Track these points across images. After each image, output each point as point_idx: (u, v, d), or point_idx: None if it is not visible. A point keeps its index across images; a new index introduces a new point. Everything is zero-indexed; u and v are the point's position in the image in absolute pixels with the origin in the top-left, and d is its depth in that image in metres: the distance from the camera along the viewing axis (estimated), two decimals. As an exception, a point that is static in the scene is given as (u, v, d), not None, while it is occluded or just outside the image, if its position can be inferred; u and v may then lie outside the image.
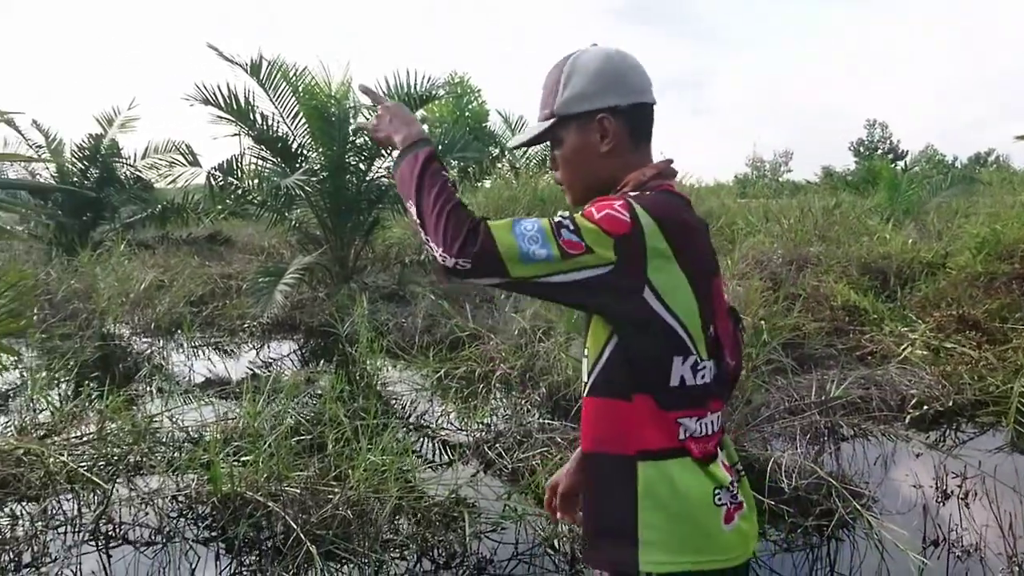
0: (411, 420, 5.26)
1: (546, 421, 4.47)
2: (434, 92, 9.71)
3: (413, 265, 9.95)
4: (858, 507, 3.35)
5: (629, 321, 1.23)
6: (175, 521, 3.51)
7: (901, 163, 33.12)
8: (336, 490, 3.47)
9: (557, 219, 1.19)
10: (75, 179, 14.62)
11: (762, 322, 4.15)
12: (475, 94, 21.98)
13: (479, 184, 15.72)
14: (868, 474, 4.03)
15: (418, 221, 1.22)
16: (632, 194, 1.25)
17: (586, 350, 1.33)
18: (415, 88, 9.30)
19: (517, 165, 18.51)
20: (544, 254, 1.14)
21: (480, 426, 4.78)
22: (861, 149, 45.14)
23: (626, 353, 1.25)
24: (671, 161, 1.37)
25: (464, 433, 4.75)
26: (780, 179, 33.31)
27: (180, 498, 3.67)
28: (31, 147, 14.32)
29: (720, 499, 1.25)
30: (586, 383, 1.33)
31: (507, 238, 1.15)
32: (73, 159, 14.46)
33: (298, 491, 3.45)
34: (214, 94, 8.96)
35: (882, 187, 14.35)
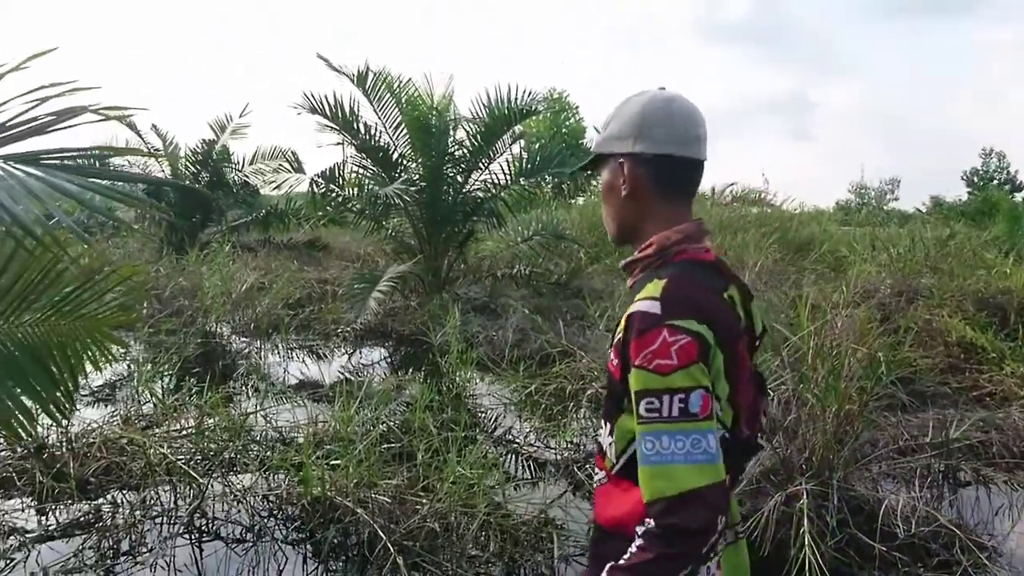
0: (498, 434, 5.19)
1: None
2: (534, 107, 9.69)
3: (505, 279, 9.92)
4: (984, 560, 3.08)
5: None
6: (265, 520, 3.55)
7: (1020, 195, 31.25)
8: (424, 501, 3.43)
9: (655, 408, 1.15)
10: (187, 182, 15.32)
11: (879, 354, 3.89)
12: (573, 111, 22.01)
13: (572, 201, 15.66)
14: (990, 524, 3.72)
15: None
16: (680, 312, 1.18)
17: (611, 436, 1.30)
18: (515, 102, 9.32)
19: (612, 183, 18.38)
20: (710, 443, 1.14)
21: (569, 445, 4.67)
22: (976, 179, 42.84)
23: None
24: (701, 222, 1.34)
25: (553, 451, 4.65)
26: (885, 207, 31.94)
27: (271, 498, 3.71)
28: (150, 150, 15.07)
29: None
30: (615, 464, 1.29)
31: (694, 472, 1.12)
32: (187, 162, 15.17)
33: (386, 500, 3.42)
34: (321, 103, 9.22)
35: (1000, 219, 13.57)
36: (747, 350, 1.32)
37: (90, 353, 3.22)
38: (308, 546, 3.36)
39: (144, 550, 3.30)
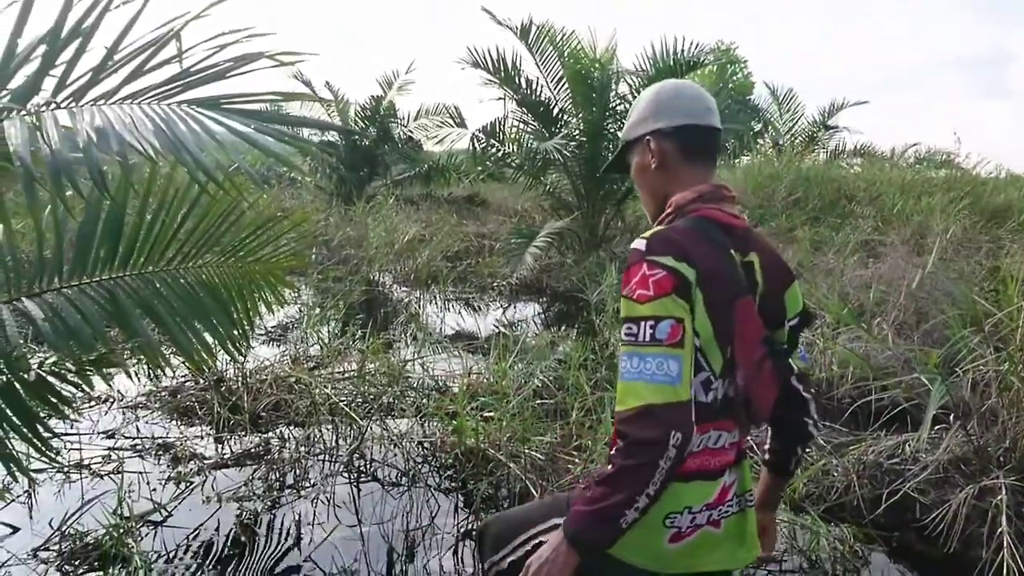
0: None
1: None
2: (701, 59, 9.25)
3: (663, 238, 9.65)
4: None
5: None
6: (419, 466, 3.62)
7: None
8: (576, 460, 3.37)
9: (632, 333, 1.30)
10: (356, 136, 15.96)
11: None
12: (740, 65, 20.87)
13: (737, 161, 14.95)
14: None
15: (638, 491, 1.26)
16: (661, 249, 1.32)
17: None
18: (681, 55, 8.93)
19: (780, 142, 17.37)
20: (671, 367, 1.26)
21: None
22: None
23: None
24: (720, 186, 1.46)
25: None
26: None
27: (426, 444, 3.78)
28: (323, 105, 15.79)
29: (672, 522, 1.37)
30: None
31: (655, 390, 1.25)
32: (356, 118, 15.77)
33: (539, 456, 3.39)
34: (484, 58, 9.23)
35: None
36: (755, 313, 1.39)
37: (264, 295, 3.37)
38: (460, 496, 3.38)
39: (307, 484, 3.45)
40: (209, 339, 2.99)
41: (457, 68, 9.51)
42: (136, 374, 4.34)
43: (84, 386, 2.42)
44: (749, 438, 1.61)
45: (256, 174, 2.36)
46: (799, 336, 1.52)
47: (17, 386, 2.19)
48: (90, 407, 4.20)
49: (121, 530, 2.75)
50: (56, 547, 2.77)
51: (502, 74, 9.30)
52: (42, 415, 2.27)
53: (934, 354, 3.38)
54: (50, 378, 2.28)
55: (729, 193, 1.46)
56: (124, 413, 4.17)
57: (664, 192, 1.49)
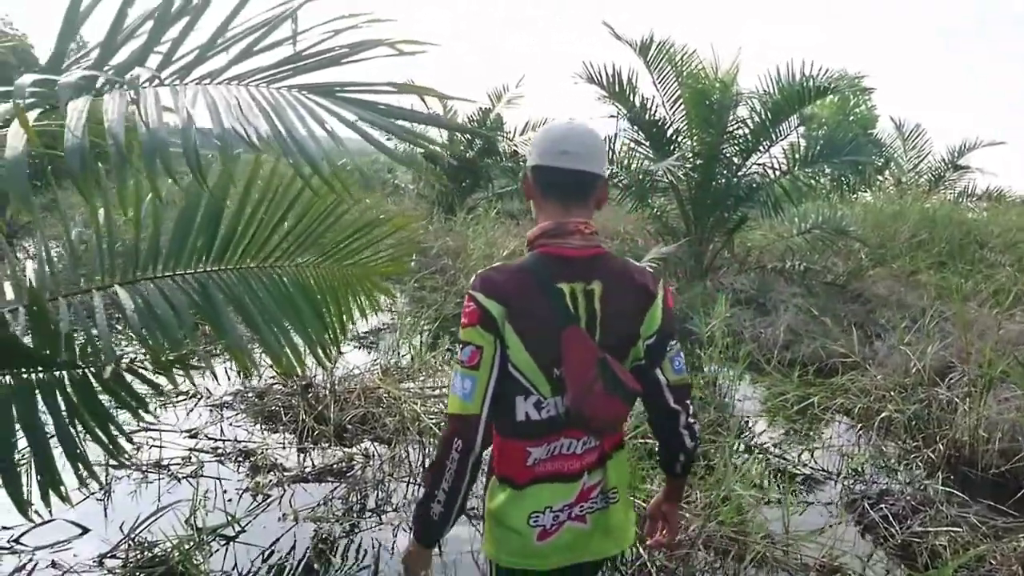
0: (763, 446, 4.59)
1: (952, 491, 3.54)
2: (830, 86, 8.67)
3: (774, 272, 9.08)
4: None
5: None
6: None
7: None
8: (685, 513, 3.00)
9: (459, 353, 1.51)
10: (461, 147, 15.98)
11: None
12: (865, 96, 19.91)
13: (855, 196, 14.14)
14: None
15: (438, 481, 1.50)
16: (477, 286, 1.49)
17: None
18: (809, 79, 8.40)
19: (903, 179, 16.41)
20: (467, 384, 1.48)
21: (853, 474, 3.97)
22: None
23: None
24: (566, 222, 1.52)
25: (832, 478, 3.97)
26: None
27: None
28: (442, 104, 15.84)
29: (536, 521, 1.55)
30: None
31: (454, 401, 1.50)
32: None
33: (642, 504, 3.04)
34: (599, 73, 8.95)
35: None
36: (585, 339, 1.49)
37: (359, 299, 3.18)
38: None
39: (389, 509, 3.21)
40: (299, 341, 2.80)
41: (567, 84, 9.19)
42: (225, 372, 4.23)
43: (165, 384, 2.24)
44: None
45: (363, 173, 2.14)
46: (663, 352, 1.57)
47: (92, 381, 2.02)
48: (176, 403, 4.10)
49: (191, 543, 2.57)
50: (123, 555, 2.61)
51: (616, 91, 8.98)
52: (115, 414, 2.10)
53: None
54: (127, 375, 2.10)
55: (578, 227, 1.53)
56: (211, 411, 4.05)
57: (537, 221, 1.60)
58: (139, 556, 2.57)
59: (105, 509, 2.96)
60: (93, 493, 3.00)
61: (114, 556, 2.60)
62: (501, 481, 1.56)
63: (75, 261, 2.58)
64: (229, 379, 4.28)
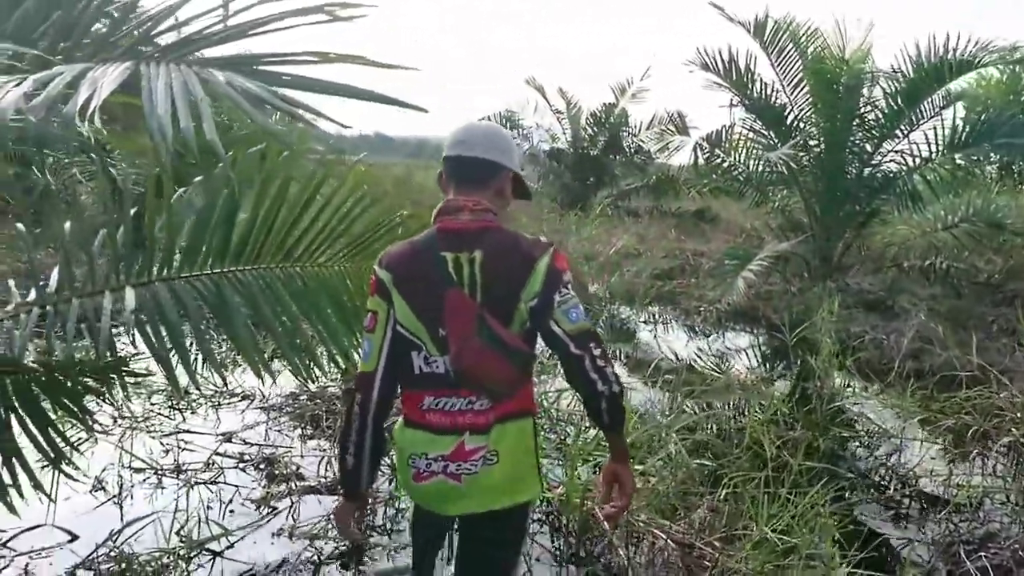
0: (872, 468, 4.00)
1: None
2: (978, 59, 7.61)
3: (913, 271, 8.17)
4: None
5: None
6: (534, 523, 3.01)
7: None
8: (722, 556, 2.60)
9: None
10: (585, 144, 15.69)
11: None
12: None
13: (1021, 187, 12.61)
14: None
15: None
16: (378, 261, 1.74)
17: None
18: (952, 54, 7.43)
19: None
20: (365, 346, 1.72)
21: (962, 508, 3.35)
22: None
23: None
24: (456, 199, 1.69)
25: (943, 512, 3.35)
26: None
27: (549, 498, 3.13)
28: (554, 112, 15.69)
29: (413, 463, 1.70)
30: None
31: (359, 363, 1.75)
32: (586, 125, 15.52)
33: (673, 544, 2.65)
34: (713, 59, 8.41)
35: None
36: (465, 299, 1.63)
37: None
38: (573, 568, 2.75)
39: (395, 528, 2.97)
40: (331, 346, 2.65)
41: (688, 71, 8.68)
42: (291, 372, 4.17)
43: (107, 392, 2.13)
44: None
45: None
46: (549, 309, 1.60)
47: (34, 388, 1.93)
48: (222, 405, 4.09)
49: (171, 557, 2.45)
50: (94, 568, 2.51)
51: (732, 76, 8.40)
52: (55, 421, 2.00)
53: None
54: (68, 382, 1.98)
55: (467, 204, 1.67)
56: (261, 413, 4.00)
57: None
58: (113, 568, 2.47)
59: (121, 511, 2.92)
60: (112, 498, 2.98)
61: (88, 567, 2.51)
62: (403, 419, 1.72)
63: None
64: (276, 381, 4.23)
